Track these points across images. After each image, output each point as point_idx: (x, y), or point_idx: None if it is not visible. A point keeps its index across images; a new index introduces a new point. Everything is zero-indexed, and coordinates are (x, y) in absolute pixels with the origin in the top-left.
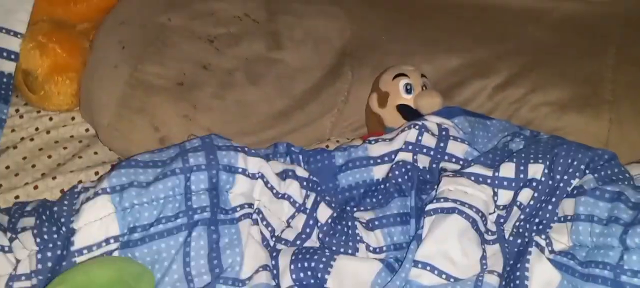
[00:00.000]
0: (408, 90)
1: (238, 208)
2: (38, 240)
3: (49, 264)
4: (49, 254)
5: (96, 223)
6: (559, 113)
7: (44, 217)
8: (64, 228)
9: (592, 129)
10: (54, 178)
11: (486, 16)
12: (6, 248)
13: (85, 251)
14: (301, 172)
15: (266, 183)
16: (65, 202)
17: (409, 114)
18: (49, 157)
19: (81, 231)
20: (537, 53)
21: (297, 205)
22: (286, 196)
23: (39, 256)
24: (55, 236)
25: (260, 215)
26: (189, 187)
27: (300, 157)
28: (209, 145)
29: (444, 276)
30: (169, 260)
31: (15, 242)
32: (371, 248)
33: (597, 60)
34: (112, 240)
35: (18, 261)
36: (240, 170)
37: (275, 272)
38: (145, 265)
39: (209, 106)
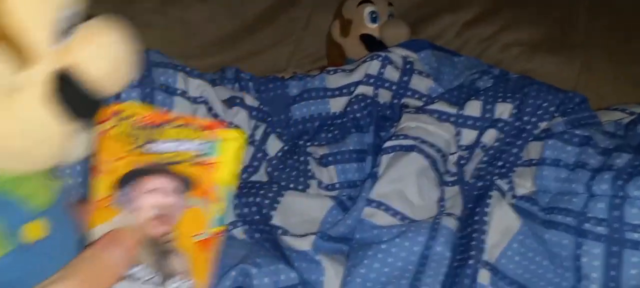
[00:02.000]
0: (373, 19)
1: None
2: None
3: None
4: None
5: None
6: (529, 54)
7: None
8: None
9: (563, 72)
10: None
11: None
12: None
13: None
14: (250, 100)
15: (209, 109)
16: None
17: (373, 44)
18: None
19: None
20: None
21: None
22: (232, 126)
23: None
24: None
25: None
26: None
27: (251, 84)
28: (144, 61)
29: (398, 216)
30: None
31: None
32: (323, 185)
33: (573, 1)
34: None
35: None
36: (179, 91)
37: None
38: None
39: (148, 22)
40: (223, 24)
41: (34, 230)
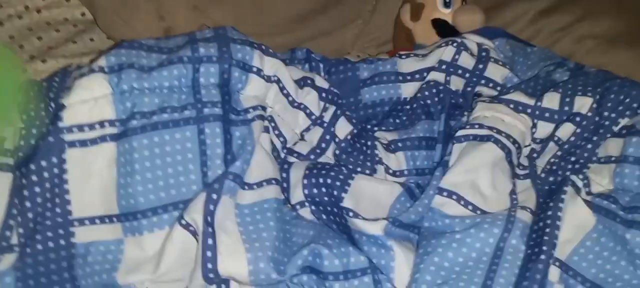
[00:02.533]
0: (447, 4)
1: (250, 110)
2: (24, 116)
3: (33, 141)
4: (34, 131)
5: (89, 102)
6: (604, 47)
7: (30, 94)
8: (52, 104)
9: (638, 69)
10: (43, 61)
11: None
12: None
13: (75, 129)
14: (321, 81)
15: (282, 89)
16: (56, 79)
17: (445, 30)
18: (39, 38)
19: (71, 108)
20: None
21: (313, 117)
22: (302, 106)
23: (23, 132)
24: (42, 113)
25: (273, 124)
26: (198, 79)
27: (321, 65)
28: (223, 36)
29: (470, 207)
30: (182, 154)
31: None
32: (391, 171)
33: None
34: (107, 124)
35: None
36: (255, 69)
37: (285, 185)
38: (144, 159)
39: (220, 0)
40: (295, 3)
41: None
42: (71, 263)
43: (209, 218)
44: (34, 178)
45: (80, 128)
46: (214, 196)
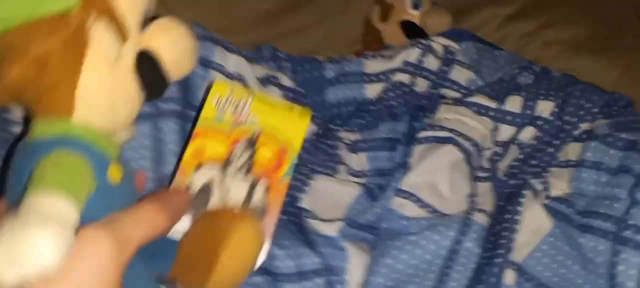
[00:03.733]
0: (416, 5)
1: None
2: None
3: None
4: None
5: None
6: (570, 53)
7: None
8: None
9: (603, 75)
10: None
11: None
12: None
13: None
14: (286, 81)
15: (245, 87)
16: None
17: (413, 32)
18: None
19: None
20: None
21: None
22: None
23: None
24: None
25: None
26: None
27: (288, 63)
28: None
29: (428, 209)
30: (137, 150)
31: None
32: (352, 171)
33: (621, 3)
34: None
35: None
36: (215, 65)
37: None
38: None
39: None
40: (263, 1)
41: (115, 173)
42: None
43: None
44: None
45: None
46: None
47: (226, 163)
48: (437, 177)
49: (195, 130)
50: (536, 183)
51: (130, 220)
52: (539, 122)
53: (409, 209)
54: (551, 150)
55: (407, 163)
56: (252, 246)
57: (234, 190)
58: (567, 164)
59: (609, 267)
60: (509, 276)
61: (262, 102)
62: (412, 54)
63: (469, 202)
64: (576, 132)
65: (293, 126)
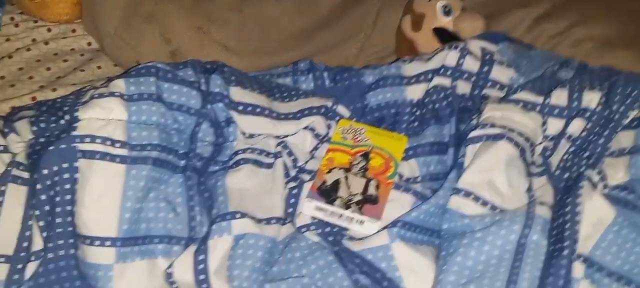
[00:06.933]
0: (446, 12)
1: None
2: (34, 128)
3: (42, 151)
4: (42, 140)
5: (104, 121)
6: (602, 50)
7: (44, 108)
8: (66, 117)
9: (637, 69)
10: (53, 90)
11: None
12: (1, 148)
13: (87, 139)
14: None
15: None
16: (71, 96)
17: (447, 38)
18: (48, 69)
19: (86, 121)
20: None
21: (320, 136)
22: (309, 128)
23: (33, 141)
24: (53, 125)
25: (287, 149)
26: (196, 133)
27: (325, 74)
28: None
29: (488, 206)
30: (173, 197)
31: (11, 135)
32: (404, 178)
33: None
34: (118, 144)
35: (14, 156)
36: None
37: (290, 209)
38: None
39: (225, 19)
40: (296, 20)
41: None
42: (82, 274)
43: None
44: (48, 182)
45: (93, 138)
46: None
47: (348, 168)
48: (494, 174)
49: (328, 148)
50: (592, 175)
51: None
52: (587, 114)
53: (469, 208)
54: (602, 140)
55: (461, 164)
56: None
57: (354, 185)
58: (621, 152)
59: None
60: (578, 269)
61: (373, 130)
62: (450, 57)
63: (529, 196)
64: (626, 120)
65: (395, 144)
